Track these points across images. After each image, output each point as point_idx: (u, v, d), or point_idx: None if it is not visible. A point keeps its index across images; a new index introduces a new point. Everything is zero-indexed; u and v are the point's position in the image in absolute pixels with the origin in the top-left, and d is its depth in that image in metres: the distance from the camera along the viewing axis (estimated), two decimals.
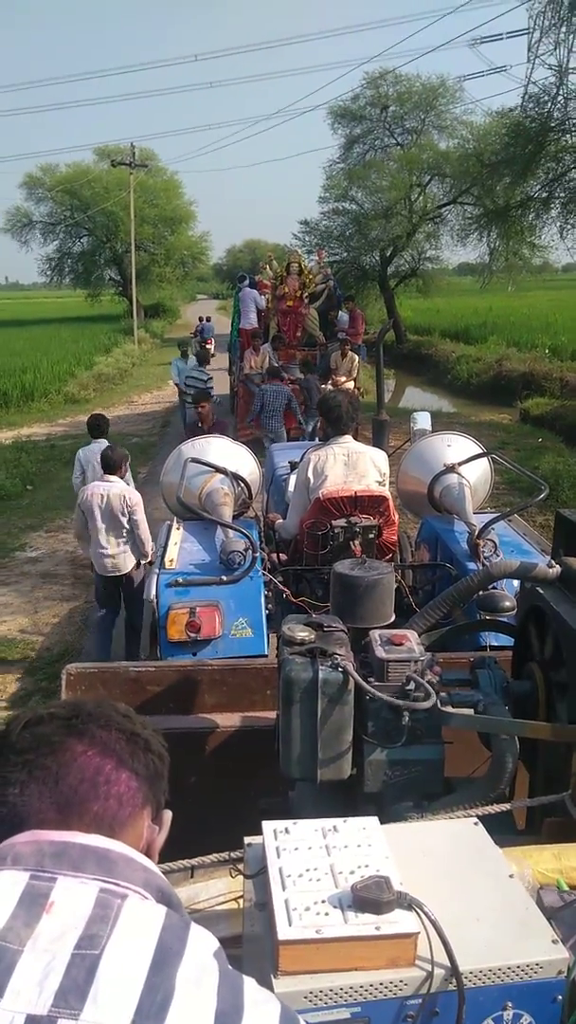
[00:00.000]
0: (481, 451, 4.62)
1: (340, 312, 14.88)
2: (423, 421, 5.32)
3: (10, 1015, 0.72)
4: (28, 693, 5.28)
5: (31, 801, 0.89)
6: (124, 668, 2.97)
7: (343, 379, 11.84)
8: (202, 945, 0.82)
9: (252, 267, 18.32)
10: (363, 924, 1.15)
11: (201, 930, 0.85)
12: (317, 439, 6.67)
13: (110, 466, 5.29)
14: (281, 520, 4.33)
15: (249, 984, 0.81)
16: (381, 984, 1.15)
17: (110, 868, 0.85)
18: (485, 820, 1.53)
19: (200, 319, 22.60)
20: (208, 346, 19.59)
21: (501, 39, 19.13)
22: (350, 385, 11.76)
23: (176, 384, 13.47)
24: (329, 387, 11.28)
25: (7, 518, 9.44)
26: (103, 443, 6.04)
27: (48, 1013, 0.72)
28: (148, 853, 0.95)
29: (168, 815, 1.01)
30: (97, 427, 6.35)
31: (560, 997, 1.19)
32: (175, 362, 13.51)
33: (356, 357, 12.42)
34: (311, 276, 14.30)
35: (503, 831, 1.76)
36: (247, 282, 14.54)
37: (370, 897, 1.16)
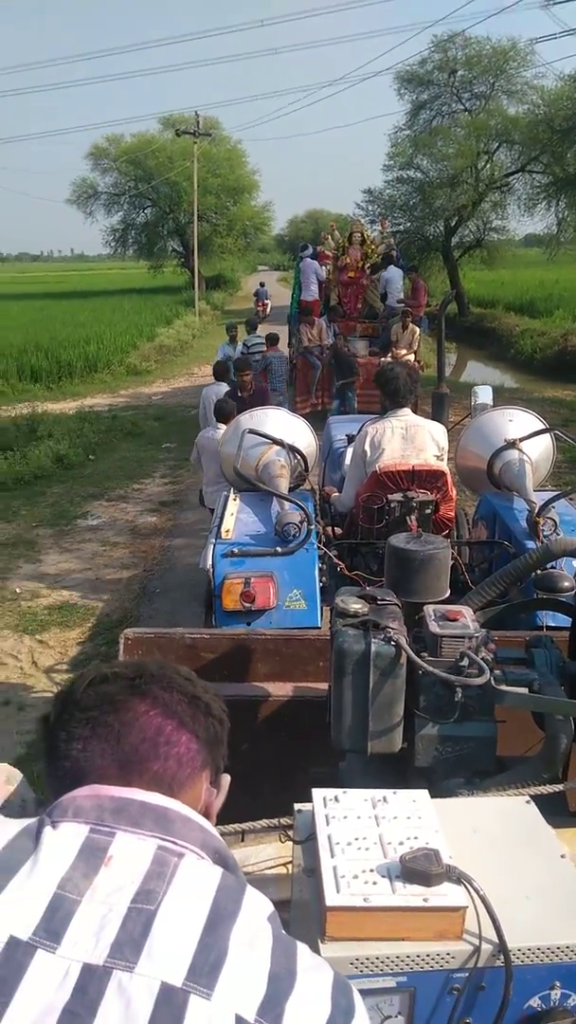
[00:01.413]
0: (544, 427, 4.51)
1: (383, 273, 13.41)
2: (484, 395, 5.21)
3: (67, 963, 0.74)
4: (88, 657, 5.43)
5: (93, 757, 0.91)
6: (180, 635, 3.01)
7: (403, 351, 11.67)
8: (257, 908, 0.83)
9: (314, 237, 18.13)
10: (411, 895, 1.15)
11: (256, 893, 0.85)
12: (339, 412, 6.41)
13: (220, 415, 6.00)
14: (337, 493, 4.31)
15: (303, 950, 0.82)
16: (428, 956, 1.15)
17: (168, 826, 0.87)
18: (537, 801, 1.51)
19: (261, 284, 23.22)
20: (260, 308, 20.25)
21: None
22: (410, 357, 11.59)
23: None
24: (388, 359, 11.14)
25: (69, 486, 9.64)
26: (223, 386, 7.25)
27: (104, 964, 0.74)
28: (206, 815, 0.96)
29: (227, 779, 1.02)
30: (221, 373, 7.72)
31: None
32: (223, 348, 11.95)
33: (417, 329, 12.21)
34: (373, 247, 14.05)
35: (555, 812, 1.74)
36: (309, 252, 14.30)
37: (419, 869, 1.17)
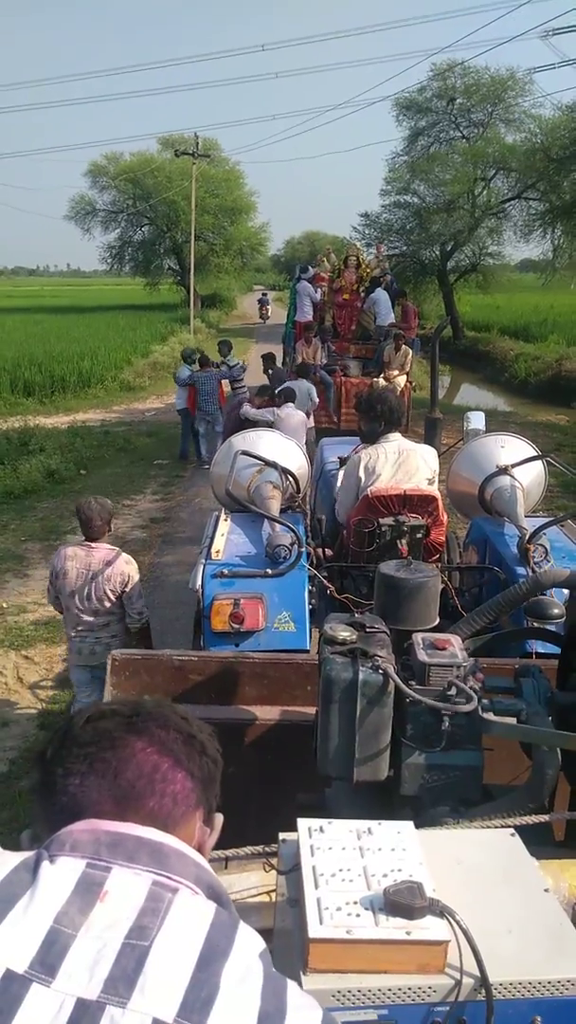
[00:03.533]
0: (536, 453, 4.54)
1: (373, 295, 13.43)
2: (477, 421, 5.24)
3: (61, 996, 0.75)
4: None
5: (90, 792, 0.92)
6: (167, 656, 3.00)
7: (395, 373, 11.74)
8: (249, 945, 0.84)
9: (310, 259, 18.31)
10: (394, 928, 1.16)
11: (249, 930, 0.86)
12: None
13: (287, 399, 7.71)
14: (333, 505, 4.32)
15: (293, 988, 0.83)
16: (409, 989, 1.15)
17: (163, 861, 0.87)
18: (523, 831, 1.52)
19: (264, 293, 24.41)
20: (264, 311, 22.64)
21: None
22: (402, 379, 11.66)
23: (180, 408, 11.43)
24: (381, 381, 11.21)
25: (60, 501, 9.61)
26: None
27: (97, 998, 0.75)
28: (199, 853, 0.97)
29: (220, 819, 1.03)
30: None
31: None
32: (184, 370, 11.43)
33: (410, 351, 12.28)
34: (368, 270, 14.16)
35: (541, 843, 1.74)
36: (309, 274, 14.33)
37: (402, 902, 1.17)
